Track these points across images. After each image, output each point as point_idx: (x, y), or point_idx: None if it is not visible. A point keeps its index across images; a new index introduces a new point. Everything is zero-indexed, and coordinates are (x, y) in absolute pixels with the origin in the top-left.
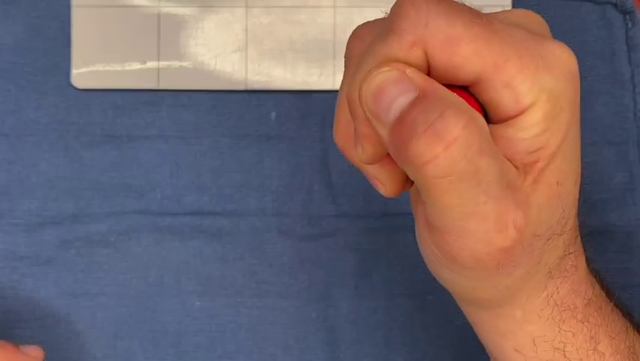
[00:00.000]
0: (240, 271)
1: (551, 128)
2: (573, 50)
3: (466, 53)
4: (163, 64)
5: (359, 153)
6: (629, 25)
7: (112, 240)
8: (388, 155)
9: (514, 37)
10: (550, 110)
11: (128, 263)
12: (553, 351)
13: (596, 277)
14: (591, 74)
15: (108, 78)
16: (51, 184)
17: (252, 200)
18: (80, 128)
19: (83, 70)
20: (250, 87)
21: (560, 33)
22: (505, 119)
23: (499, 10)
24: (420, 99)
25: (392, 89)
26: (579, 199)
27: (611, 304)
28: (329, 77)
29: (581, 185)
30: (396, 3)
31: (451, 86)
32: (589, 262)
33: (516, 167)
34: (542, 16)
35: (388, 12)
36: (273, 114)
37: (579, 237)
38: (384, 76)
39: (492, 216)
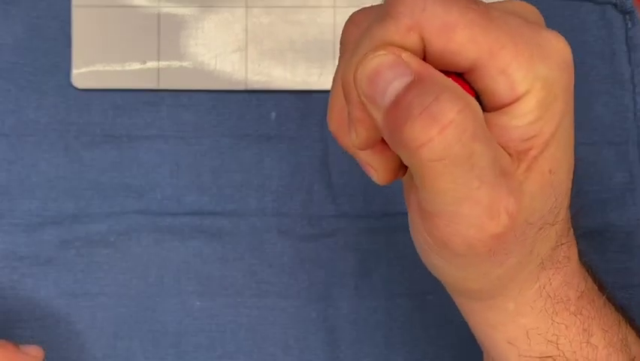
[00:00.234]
0: (240, 271)
1: (545, 116)
2: (573, 50)
3: (462, 40)
4: (163, 64)
5: (353, 138)
6: (629, 25)
7: (112, 240)
8: (382, 141)
9: (510, 24)
10: (545, 98)
11: (128, 263)
12: (546, 344)
13: (588, 270)
14: (591, 74)
15: (108, 78)
16: (51, 184)
17: (252, 200)
18: (79, 128)
19: (83, 70)
20: (250, 87)
21: (560, 33)
22: (499, 107)
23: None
24: (415, 83)
25: (388, 72)
26: (572, 190)
27: (604, 297)
28: (329, 77)
29: (574, 178)
30: None
31: (447, 73)
32: (581, 255)
33: (510, 154)
34: (542, 17)
35: None
36: (273, 114)
37: (571, 229)
38: (380, 59)
39: (485, 201)
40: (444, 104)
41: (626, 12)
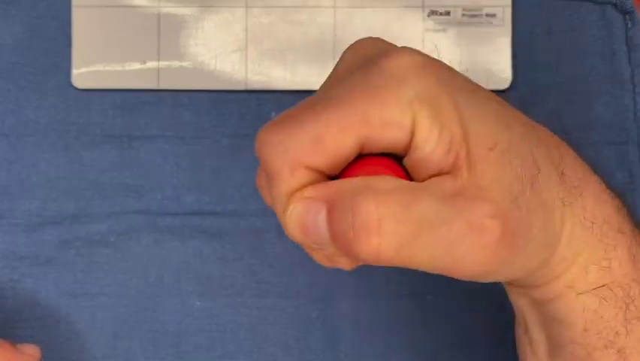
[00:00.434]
0: (240, 271)
1: (444, 122)
2: (573, 50)
3: (333, 138)
4: (163, 64)
5: (343, 266)
6: (629, 25)
7: (112, 240)
8: None
9: (353, 86)
10: (430, 110)
11: (128, 263)
12: (602, 272)
13: (613, 191)
14: (591, 74)
15: (108, 78)
16: (51, 184)
17: (252, 200)
18: (79, 128)
19: (83, 70)
20: (250, 87)
21: (560, 33)
22: (408, 149)
23: (499, 10)
24: (330, 210)
25: (307, 219)
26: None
27: (636, 218)
28: None
29: None
30: (256, 150)
31: (352, 163)
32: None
33: (448, 172)
34: (542, 16)
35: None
36: (273, 114)
37: (566, 149)
38: (294, 215)
39: (464, 229)
40: (362, 209)
41: (626, 12)
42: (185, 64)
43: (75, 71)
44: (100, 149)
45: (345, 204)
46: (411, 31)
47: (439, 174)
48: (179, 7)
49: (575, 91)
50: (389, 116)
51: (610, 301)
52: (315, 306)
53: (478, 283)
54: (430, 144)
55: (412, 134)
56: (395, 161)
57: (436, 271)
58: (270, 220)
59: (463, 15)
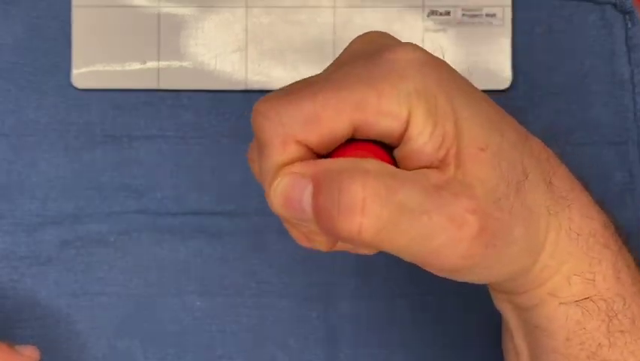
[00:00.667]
0: (239, 271)
1: (438, 119)
2: (573, 50)
3: (328, 119)
4: (163, 64)
5: (320, 246)
6: (629, 25)
7: (112, 240)
8: None
9: (356, 72)
10: (427, 106)
11: (128, 263)
12: (585, 284)
13: (602, 208)
14: (591, 74)
15: (108, 78)
16: (51, 184)
17: (252, 200)
18: (79, 128)
19: (83, 70)
20: (250, 87)
21: (560, 33)
22: (400, 139)
23: (499, 10)
24: (317, 187)
25: (292, 193)
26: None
27: (622, 237)
28: None
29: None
30: (252, 120)
31: (343, 144)
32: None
33: (436, 167)
34: (542, 16)
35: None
36: None
37: (556, 162)
38: (280, 187)
39: (443, 222)
40: (348, 189)
41: (626, 12)
42: (185, 64)
43: (75, 71)
44: (100, 149)
45: (333, 183)
46: (411, 31)
47: (427, 167)
48: (179, 7)
49: (575, 91)
50: (385, 106)
51: (593, 313)
52: (315, 306)
53: (478, 284)
54: (423, 138)
55: (407, 126)
56: (385, 149)
57: (411, 259)
58: (270, 220)
59: (463, 15)
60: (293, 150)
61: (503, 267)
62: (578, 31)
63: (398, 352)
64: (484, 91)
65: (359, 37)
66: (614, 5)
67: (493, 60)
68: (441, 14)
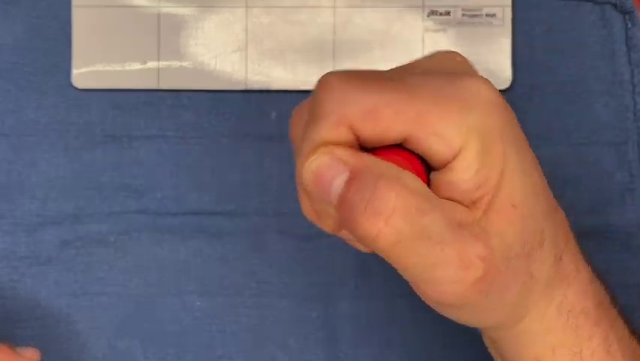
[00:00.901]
0: (239, 271)
1: (487, 163)
2: (573, 50)
3: (387, 118)
4: (163, 64)
5: (325, 226)
6: (629, 25)
7: (112, 240)
8: None
9: (430, 86)
10: (482, 146)
11: (128, 263)
12: (571, 356)
13: (600, 279)
14: (591, 74)
15: (108, 78)
16: (51, 184)
17: (252, 200)
18: (79, 128)
19: (83, 70)
20: (250, 87)
21: (560, 33)
22: (442, 165)
23: (499, 10)
24: (352, 179)
25: (326, 173)
26: (558, 199)
27: (617, 308)
28: None
29: (573, 178)
30: (315, 87)
31: (388, 146)
32: (590, 263)
33: (465, 205)
34: (542, 16)
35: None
36: (273, 114)
37: (572, 239)
38: (316, 163)
39: (453, 258)
40: (382, 194)
41: (626, 12)
42: (185, 64)
43: (75, 71)
44: (100, 149)
45: (369, 181)
46: (411, 31)
47: (457, 201)
48: (179, 7)
49: (575, 91)
50: (444, 129)
51: None
52: (315, 306)
53: None
54: (466, 174)
55: (455, 156)
56: (424, 166)
57: (408, 278)
58: (270, 220)
59: (463, 15)
60: (342, 133)
61: (488, 316)
62: (578, 31)
63: (398, 352)
64: None
65: (446, 52)
66: (614, 5)
67: (493, 60)
68: (441, 14)
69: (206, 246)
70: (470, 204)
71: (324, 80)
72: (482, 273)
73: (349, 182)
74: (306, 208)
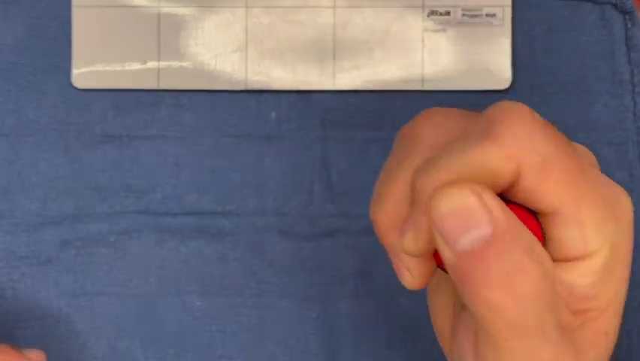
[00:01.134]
0: (239, 271)
1: (608, 279)
2: (573, 50)
3: (556, 182)
4: (163, 64)
5: (407, 243)
6: (629, 25)
7: (112, 240)
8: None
9: (592, 176)
10: (610, 260)
11: (128, 263)
12: None
13: None
14: (591, 74)
15: (108, 78)
16: (51, 184)
17: (252, 200)
18: (80, 128)
19: (83, 70)
20: (250, 87)
21: (560, 33)
22: (564, 259)
23: (499, 10)
24: (496, 240)
25: (466, 218)
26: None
27: None
28: (329, 77)
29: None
30: (497, 106)
31: (518, 204)
32: None
33: (573, 311)
34: (542, 16)
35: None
36: (273, 114)
37: None
38: (459, 200)
39: (548, 359)
40: (524, 276)
41: (626, 12)
42: (185, 64)
43: (75, 71)
44: (100, 149)
45: (514, 254)
46: (411, 31)
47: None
48: (179, 7)
49: (575, 91)
50: (589, 223)
51: None
52: (315, 306)
53: None
54: (583, 281)
55: (581, 258)
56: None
57: (489, 358)
58: (270, 220)
59: (463, 15)
60: (508, 170)
61: None
62: (578, 31)
63: (398, 352)
64: (485, 91)
65: (584, 147)
66: (614, 5)
67: (493, 60)
68: (441, 14)
69: (206, 246)
70: (572, 313)
71: (517, 106)
72: None
73: (491, 241)
74: (388, 212)
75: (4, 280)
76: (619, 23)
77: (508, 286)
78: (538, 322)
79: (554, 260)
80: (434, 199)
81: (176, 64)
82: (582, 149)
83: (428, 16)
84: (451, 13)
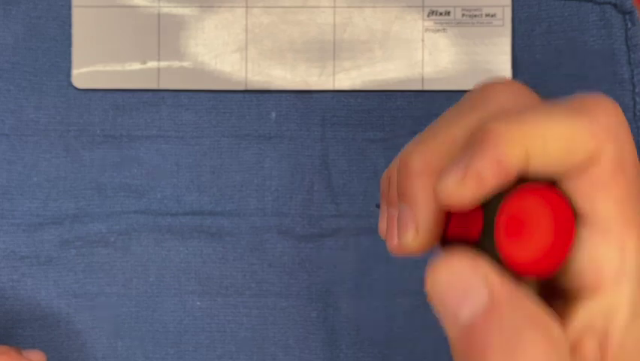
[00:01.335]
0: (239, 271)
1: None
2: (573, 50)
3: (620, 185)
4: (163, 64)
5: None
6: (629, 25)
7: (112, 240)
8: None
9: None
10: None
11: (128, 263)
12: None
13: None
14: (591, 74)
15: (108, 78)
16: (51, 184)
17: (252, 200)
18: (80, 128)
19: (83, 70)
20: (250, 87)
21: (560, 33)
22: (581, 287)
23: (499, 10)
24: (493, 311)
25: (459, 289)
26: None
27: None
28: (329, 77)
29: None
30: (589, 94)
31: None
32: None
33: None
34: (542, 16)
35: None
36: (273, 114)
37: None
38: (453, 271)
39: None
40: (526, 349)
41: (626, 12)
42: (185, 64)
43: (75, 71)
44: (100, 149)
45: (514, 326)
46: (411, 31)
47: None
48: (179, 7)
49: (575, 91)
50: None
51: None
52: (315, 306)
53: None
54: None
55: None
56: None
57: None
58: (269, 220)
59: (463, 15)
60: (516, 152)
61: None
62: (578, 31)
63: (398, 352)
64: None
65: None
66: (614, 5)
67: (493, 60)
68: (441, 14)
69: (206, 246)
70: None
71: (610, 99)
72: None
73: (489, 312)
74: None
75: (4, 280)
76: (619, 23)
77: (510, 357)
78: None
79: (569, 290)
80: (429, 275)
81: (176, 64)
82: None
83: (428, 16)
84: (451, 13)
